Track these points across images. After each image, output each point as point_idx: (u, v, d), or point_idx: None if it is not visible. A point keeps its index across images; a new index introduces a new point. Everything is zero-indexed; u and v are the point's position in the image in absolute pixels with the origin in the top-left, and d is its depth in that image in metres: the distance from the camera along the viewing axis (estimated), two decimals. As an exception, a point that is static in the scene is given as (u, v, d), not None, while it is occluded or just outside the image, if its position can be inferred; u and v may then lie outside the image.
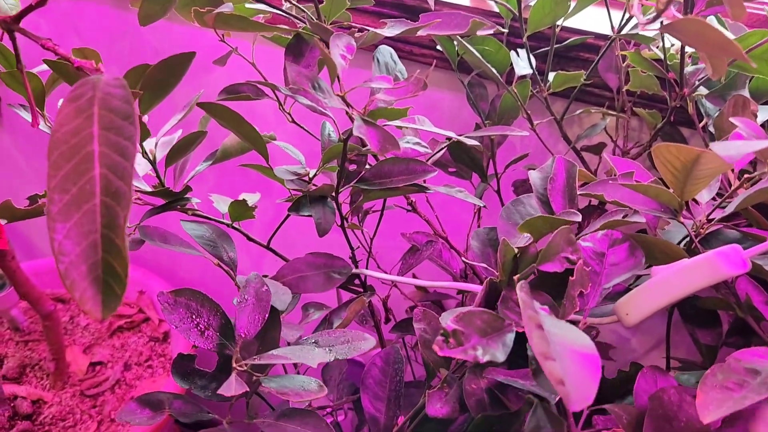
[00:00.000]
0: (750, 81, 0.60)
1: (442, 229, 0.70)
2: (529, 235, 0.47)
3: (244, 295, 0.44)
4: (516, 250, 0.45)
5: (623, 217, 0.46)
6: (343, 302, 0.64)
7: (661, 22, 0.43)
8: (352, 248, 0.63)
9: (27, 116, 0.54)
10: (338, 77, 0.42)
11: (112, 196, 0.28)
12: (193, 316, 0.45)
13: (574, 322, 0.47)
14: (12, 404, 1.07)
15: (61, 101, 0.62)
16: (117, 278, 0.27)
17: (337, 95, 0.43)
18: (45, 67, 0.58)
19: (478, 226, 0.77)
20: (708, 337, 0.54)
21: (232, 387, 0.39)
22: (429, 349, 0.46)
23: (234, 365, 0.42)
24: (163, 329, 1.24)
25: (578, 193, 0.50)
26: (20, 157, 1.35)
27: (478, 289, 0.57)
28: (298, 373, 0.61)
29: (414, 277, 0.84)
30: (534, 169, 0.74)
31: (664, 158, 0.38)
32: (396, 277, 0.59)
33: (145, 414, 0.46)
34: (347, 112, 0.60)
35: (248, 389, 0.39)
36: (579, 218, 0.43)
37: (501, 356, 0.39)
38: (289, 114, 0.58)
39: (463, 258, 0.69)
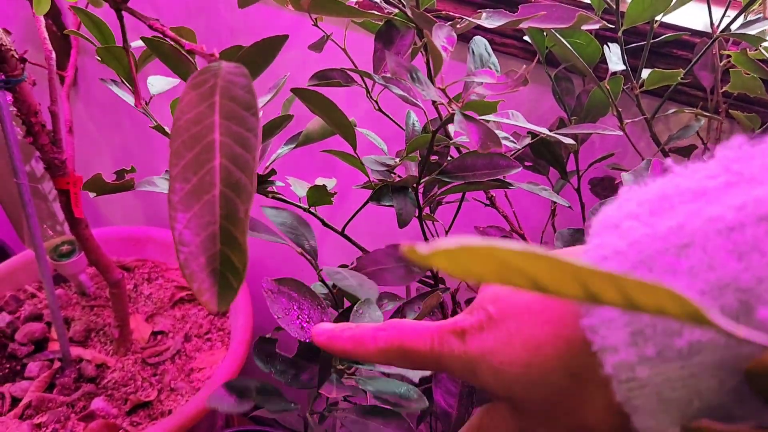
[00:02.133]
0: None
1: (519, 225, 0.68)
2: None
3: (359, 310, 0.44)
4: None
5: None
6: (416, 295, 0.63)
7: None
8: (426, 240, 0.62)
9: (119, 92, 0.55)
10: (441, 70, 0.41)
11: (232, 188, 0.28)
12: (295, 308, 0.45)
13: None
14: (78, 366, 1.11)
15: (150, 79, 0.62)
16: (234, 271, 0.27)
17: (438, 88, 0.42)
18: (139, 42, 0.59)
19: (553, 224, 0.75)
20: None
21: (334, 389, 0.39)
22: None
23: (334, 364, 0.42)
24: (222, 303, 1.26)
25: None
26: (94, 128, 1.39)
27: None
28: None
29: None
30: (620, 170, 0.71)
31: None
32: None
33: (232, 400, 0.47)
34: (435, 104, 0.59)
35: (350, 393, 0.39)
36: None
37: None
38: (376, 102, 0.58)
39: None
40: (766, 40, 0.56)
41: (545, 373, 0.24)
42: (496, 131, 0.58)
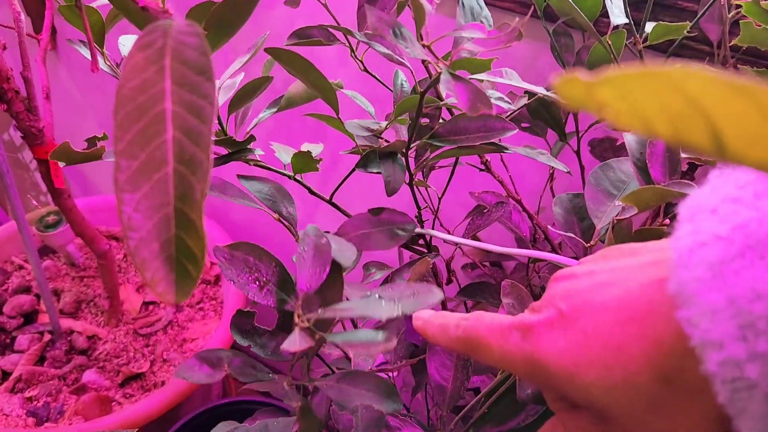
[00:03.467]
0: None
1: (515, 190, 0.65)
2: (627, 206, 0.43)
3: (303, 248, 0.41)
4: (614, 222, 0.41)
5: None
6: (406, 263, 0.61)
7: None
8: (419, 207, 0.59)
9: (87, 54, 0.51)
10: (424, 24, 0.37)
11: (187, 165, 0.24)
12: (252, 271, 0.42)
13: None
14: (68, 338, 1.10)
15: (120, 39, 0.58)
16: (192, 258, 0.24)
17: (423, 45, 0.39)
18: (105, 1, 0.55)
19: (551, 188, 0.72)
20: None
21: (296, 342, 0.37)
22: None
23: (296, 320, 0.40)
24: (214, 272, 1.24)
25: (683, 157, 0.45)
26: (77, 93, 1.34)
27: (553, 258, 0.53)
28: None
29: (475, 237, 0.80)
30: (620, 130, 0.68)
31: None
32: (467, 240, 0.55)
33: (204, 371, 0.45)
34: (424, 63, 0.55)
35: (312, 344, 0.37)
36: (695, 189, 0.38)
37: None
38: (361, 62, 0.54)
39: (535, 221, 0.65)
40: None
41: (630, 376, 0.22)
42: (489, 91, 0.55)
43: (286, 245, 0.72)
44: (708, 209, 0.20)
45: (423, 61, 0.56)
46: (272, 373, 0.50)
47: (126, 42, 0.59)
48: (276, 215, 0.49)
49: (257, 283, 0.42)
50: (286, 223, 0.50)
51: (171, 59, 0.25)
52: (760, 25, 0.55)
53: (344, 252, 0.43)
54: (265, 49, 0.41)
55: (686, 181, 0.40)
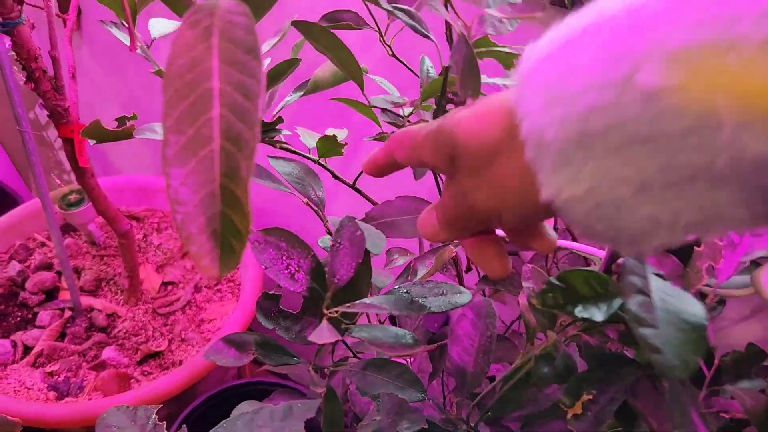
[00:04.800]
0: None
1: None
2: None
3: (338, 239, 0.42)
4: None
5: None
6: (429, 250, 0.61)
7: None
8: (441, 192, 0.60)
9: (119, 34, 0.51)
10: None
11: (233, 142, 0.25)
12: (284, 258, 0.43)
13: (702, 294, 0.43)
14: (88, 316, 1.11)
15: (151, 21, 0.59)
16: (237, 234, 0.25)
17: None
18: (137, -18, 0.55)
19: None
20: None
21: (324, 334, 0.37)
22: (536, 309, 0.43)
23: (324, 311, 0.40)
24: (232, 254, 1.25)
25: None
26: (100, 74, 1.35)
27: (577, 246, 0.54)
28: (381, 322, 0.59)
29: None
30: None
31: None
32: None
33: (231, 354, 0.45)
34: (449, 42, 0.55)
35: (340, 338, 0.37)
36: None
37: (599, 317, 0.37)
38: (389, 46, 0.54)
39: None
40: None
41: (485, 133, 0.30)
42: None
43: (308, 229, 0.72)
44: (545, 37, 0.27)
45: (448, 40, 0.56)
46: (296, 357, 0.51)
47: (156, 25, 0.59)
48: (305, 199, 0.50)
49: (288, 269, 0.42)
50: (315, 208, 0.51)
51: (219, 38, 0.26)
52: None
53: (374, 240, 0.43)
54: (293, 23, 0.41)
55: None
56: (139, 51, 0.58)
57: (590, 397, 0.43)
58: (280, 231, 0.46)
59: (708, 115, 0.22)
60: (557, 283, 0.38)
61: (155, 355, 1.07)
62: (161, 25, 0.58)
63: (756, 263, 0.46)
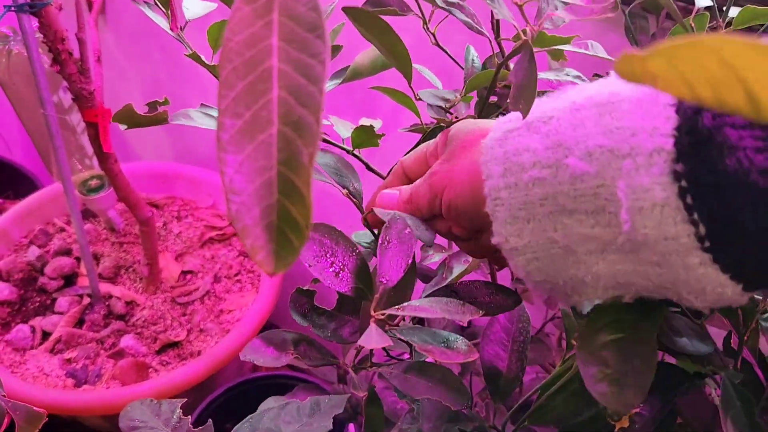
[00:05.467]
0: None
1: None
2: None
3: (386, 237, 0.40)
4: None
5: None
6: (465, 247, 0.59)
7: None
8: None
9: (153, 16, 0.50)
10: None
11: (293, 127, 0.23)
12: (328, 255, 0.40)
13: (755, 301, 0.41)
14: (107, 303, 1.10)
15: (185, 2, 0.57)
16: (295, 227, 0.23)
17: (515, 3, 0.36)
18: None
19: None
20: None
21: (373, 339, 0.35)
22: (577, 313, 0.40)
23: (372, 314, 0.38)
24: (252, 244, 1.23)
25: None
26: (123, 59, 1.34)
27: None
28: (420, 320, 0.57)
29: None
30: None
31: None
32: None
33: (270, 353, 0.43)
34: (498, 40, 0.52)
35: (392, 343, 0.35)
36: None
37: None
38: (433, 35, 0.52)
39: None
40: None
41: (459, 193, 0.37)
42: (567, 69, 0.52)
43: (338, 222, 0.70)
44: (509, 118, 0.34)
45: (496, 37, 0.54)
46: (334, 357, 0.49)
47: (191, 5, 0.57)
48: (345, 191, 0.48)
49: (333, 268, 0.40)
50: (354, 200, 0.49)
51: (279, 14, 0.24)
52: None
53: (422, 231, 0.41)
54: (343, 8, 0.39)
55: None
56: (171, 33, 0.56)
57: (638, 410, 0.41)
58: (325, 227, 0.44)
59: (612, 199, 0.28)
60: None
61: (174, 344, 1.05)
62: (196, 6, 0.56)
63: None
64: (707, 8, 0.58)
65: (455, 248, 0.64)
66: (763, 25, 0.58)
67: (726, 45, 0.15)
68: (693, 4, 0.58)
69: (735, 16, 0.58)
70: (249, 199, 0.23)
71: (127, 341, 1.03)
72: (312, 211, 0.23)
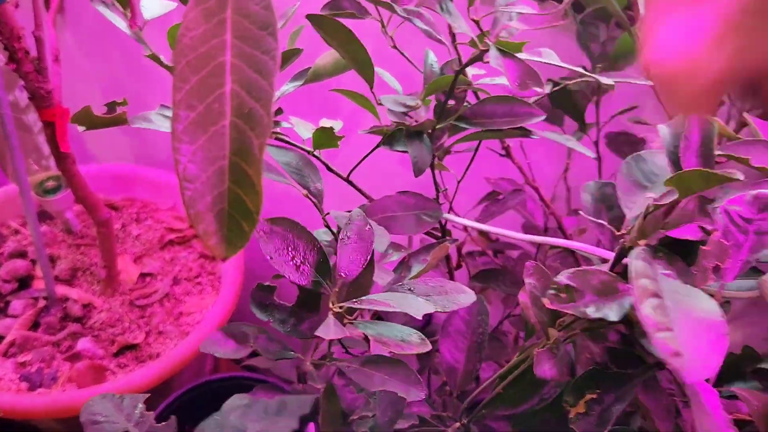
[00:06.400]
0: None
1: (533, 178, 0.65)
2: (660, 193, 0.43)
3: (347, 233, 0.41)
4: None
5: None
6: (423, 246, 0.60)
7: None
8: (438, 190, 0.59)
9: (111, 16, 0.50)
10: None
11: (245, 119, 0.24)
12: (289, 249, 0.41)
13: (710, 294, 0.43)
14: (63, 306, 1.08)
15: (144, 1, 0.57)
16: (246, 213, 0.24)
17: (472, 19, 0.38)
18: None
19: (565, 179, 0.72)
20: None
21: (330, 331, 0.36)
22: (538, 307, 0.42)
23: (331, 306, 0.39)
24: (213, 247, 1.23)
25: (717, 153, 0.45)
26: (82, 58, 1.32)
27: (581, 247, 0.53)
28: (380, 318, 0.58)
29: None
30: (641, 123, 0.68)
31: None
32: (489, 227, 0.54)
33: (229, 345, 0.44)
34: (455, 44, 0.54)
35: (348, 334, 0.37)
36: (741, 177, 0.38)
37: (613, 317, 0.36)
38: (391, 38, 0.53)
39: (551, 210, 0.65)
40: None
41: None
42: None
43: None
44: None
45: (452, 42, 0.55)
46: (293, 350, 0.50)
47: (149, 5, 0.58)
48: (304, 191, 0.49)
49: (294, 261, 0.41)
50: (314, 200, 0.50)
51: (232, 12, 0.25)
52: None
53: (379, 237, 0.42)
54: (307, 16, 0.40)
55: (732, 169, 0.40)
56: (130, 33, 0.57)
57: (594, 396, 0.43)
58: (288, 221, 0.45)
59: None
60: (568, 281, 0.37)
61: (132, 347, 1.04)
62: (154, 6, 0.56)
63: (756, 269, 0.46)
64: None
65: (414, 247, 0.65)
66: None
67: None
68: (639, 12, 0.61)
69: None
70: (202, 187, 0.23)
71: (83, 344, 1.02)
72: (262, 198, 0.24)
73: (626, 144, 0.72)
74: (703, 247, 0.36)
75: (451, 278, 0.67)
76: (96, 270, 1.15)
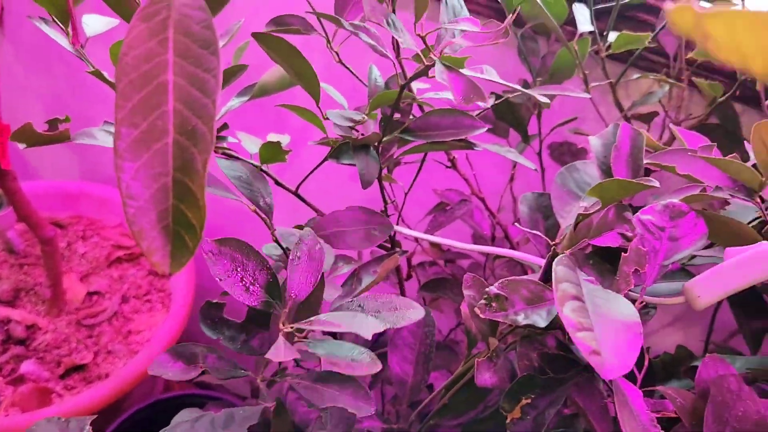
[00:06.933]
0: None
1: (479, 188, 0.66)
2: (591, 202, 0.44)
3: (297, 254, 0.41)
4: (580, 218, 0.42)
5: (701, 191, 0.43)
6: (373, 258, 0.61)
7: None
8: (386, 202, 0.60)
9: (52, 33, 0.49)
10: (421, 16, 0.38)
11: (188, 136, 0.24)
12: (239, 269, 0.42)
13: (631, 300, 0.45)
14: (6, 327, 1.05)
15: (84, 17, 0.56)
16: (190, 229, 0.24)
17: (418, 35, 0.39)
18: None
19: (511, 189, 0.74)
20: (755, 324, 0.52)
21: (281, 352, 0.37)
22: (477, 317, 0.43)
23: (281, 327, 0.39)
24: (162, 263, 1.21)
25: (645, 162, 0.48)
26: (22, 73, 1.29)
27: (520, 255, 0.55)
28: (332, 334, 0.59)
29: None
30: (581, 134, 0.70)
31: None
32: (437, 238, 0.56)
33: (178, 367, 0.44)
34: (399, 59, 0.55)
35: (299, 356, 0.37)
36: (657, 184, 0.40)
37: (542, 323, 0.38)
38: (336, 53, 0.54)
39: (497, 220, 0.66)
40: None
41: None
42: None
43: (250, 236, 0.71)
44: None
45: (397, 57, 0.57)
46: (243, 369, 0.50)
47: (91, 22, 0.57)
48: (253, 206, 0.49)
49: (243, 282, 0.41)
50: (263, 216, 0.50)
51: (174, 31, 0.25)
52: (715, 41, 0.58)
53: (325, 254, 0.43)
54: (252, 34, 0.41)
55: (650, 177, 0.42)
56: (71, 50, 0.56)
57: (529, 401, 0.44)
58: (236, 242, 0.45)
59: None
60: (498, 291, 0.39)
61: (79, 368, 1.02)
62: (96, 23, 0.56)
63: (686, 270, 0.48)
64: (590, 33, 0.64)
65: (365, 259, 0.66)
66: (634, 52, 0.64)
67: None
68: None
69: (613, 40, 0.63)
70: (145, 204, 0.24)
71: (27, 366, 0.99)
72: (205, 213, 0.24)
73: (568, 154, 0.74)
74: (624, 254, 0.38)
75: (402, 289, 0.68)
76: (40, 290, 1.12)
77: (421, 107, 0.59)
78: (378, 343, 0.73)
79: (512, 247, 0.68)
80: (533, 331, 0.44)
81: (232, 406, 0.59)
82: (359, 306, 0.45)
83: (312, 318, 0.42)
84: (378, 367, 0.42)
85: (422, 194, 0.77)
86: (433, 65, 0.42)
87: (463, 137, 0.54)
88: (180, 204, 0.24)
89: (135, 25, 0.25)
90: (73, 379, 1.00)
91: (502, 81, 0.46)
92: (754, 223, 0.47)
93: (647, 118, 0.68)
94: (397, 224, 0.65)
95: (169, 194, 0.24)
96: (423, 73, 0.43)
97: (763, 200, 0.44)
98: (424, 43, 0.41)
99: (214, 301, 0.48)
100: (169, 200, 0.24)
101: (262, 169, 0.60)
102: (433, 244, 0.85)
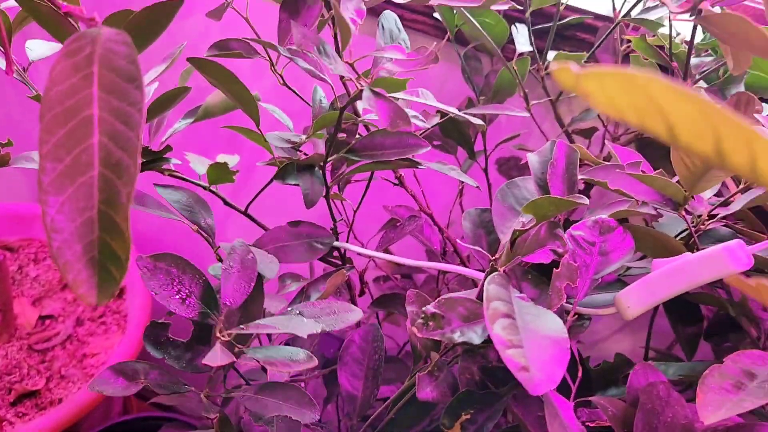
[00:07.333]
0: (745, 77, 0.59)
1: (427, 205, 0.68)
2: (529, 217, 0.46)
3: (230, 263, 0.42)
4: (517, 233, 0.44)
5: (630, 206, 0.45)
6: (321, 275, 0.62)
7: (697, 13, 0.42)
8: (334, 219, 0.61)
9: (-9, 57, 0.49)
10: (349, 43, 0.39)
11: (113, 169, 0.25)
12: (174, 283, 0.42)
13: (565, 313, 0.46)
14: (-46, 355, 1.02)
15: (28, 43, 0.56)
16: (116, 261, 0.25)
17: (346, 62, 0.40)
18: (12, 2, 0.53)
19: (461, 204, 0.75)
20: (690, 330, 0.54)
21: (218, 357, 0.37)
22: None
23: (217, 335, 0.40)
24: (118, 284, 1.19)
25: (579, 177, 0.49)
26: (-32, 94, 1.26)
27: (460, 270, 0.56)
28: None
29: (387, 250, 0.83)
30: (525, 150, 0.72)
31: (684, 156, 0.37)
32: (382, 254, 0.57)
33: (119, 383, 0.44)
34: (343, 80, 0.56)
35: (235, 360, 0.37)
36: (587, 202, 0.42)
37: (477, 339, 0.39)
38: (280, 76, 0.55)
39: (445, 235, 0.68)
40: (663, 26, 0.57)
41: None
42: (405, 110, 0.57)
43: (198, 256, 0.71)
44: None
45: (341, 78, 0.58)
46: (187, 385, 0.50)
47: (34, 46, 0.57)
48: (194, 226, 0.49)
49: (180, 295, 0.41)
50: (205, 235, 0.50)
51: (99, 66, 0.26)
52: (647, 59, 0.61)
53: (267, 264, 0.44)
54: (188, 59, 0.41)
55: (580, 195, 0.43)
56: (15, 75, 0.56)
57: (468, 416, 0.45)
58: (171, 256, 0.45)
59: None
60: (435, 310, 0.40)
61: (31, 394, 0.99)
62: (40, 48, 0.56)
63: (622, 281, 0.50)
64: (530, 52, 0.66)
65: (315, 275, 0.67)
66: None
67: (652, 83, 0.16)
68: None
69: (552, 59, 0.66)
70: (71, 237, 0.24)
71: (-23, 395, 0.96)
72: (131, 244, 0.24)
73: (515, 168, 0.76)
74: (556, 270, 0.39)
75: (354, 305, 0.69)
76: (-10, 315, 1.09)
77: (366, 127, 0.60)
78: (332, 361, 0.74)
79: (462, 261, 0.69)
80: (474, 345, 0.45)
81: (188, 426, 0.59)
82: (299, 312, 0.46)
83: (249, 323, 0.42)
84: (314, 362, 0.43)
85: (376, 211, 0.78)
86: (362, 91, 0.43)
87: (407, 156, 0.55)
88: (106, 236, 0.24)
89: (59, 61, 0.25)
90: (25, 405, 0.98)
91: (438, 104, 0.47)
92: (683, 235, 0.50)
93: (587, 134, 0.71)
94: (347, 241, 0.66)
95: (95, 227, 0.24)
96: (356, 98, 0.44)
97: (688, 213, 0.46)
98: (354, 70, 0.42)
99: (160, 321, 0.48)
100: (94, 233, 0.24)
101: (210, 190, 0.60)
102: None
